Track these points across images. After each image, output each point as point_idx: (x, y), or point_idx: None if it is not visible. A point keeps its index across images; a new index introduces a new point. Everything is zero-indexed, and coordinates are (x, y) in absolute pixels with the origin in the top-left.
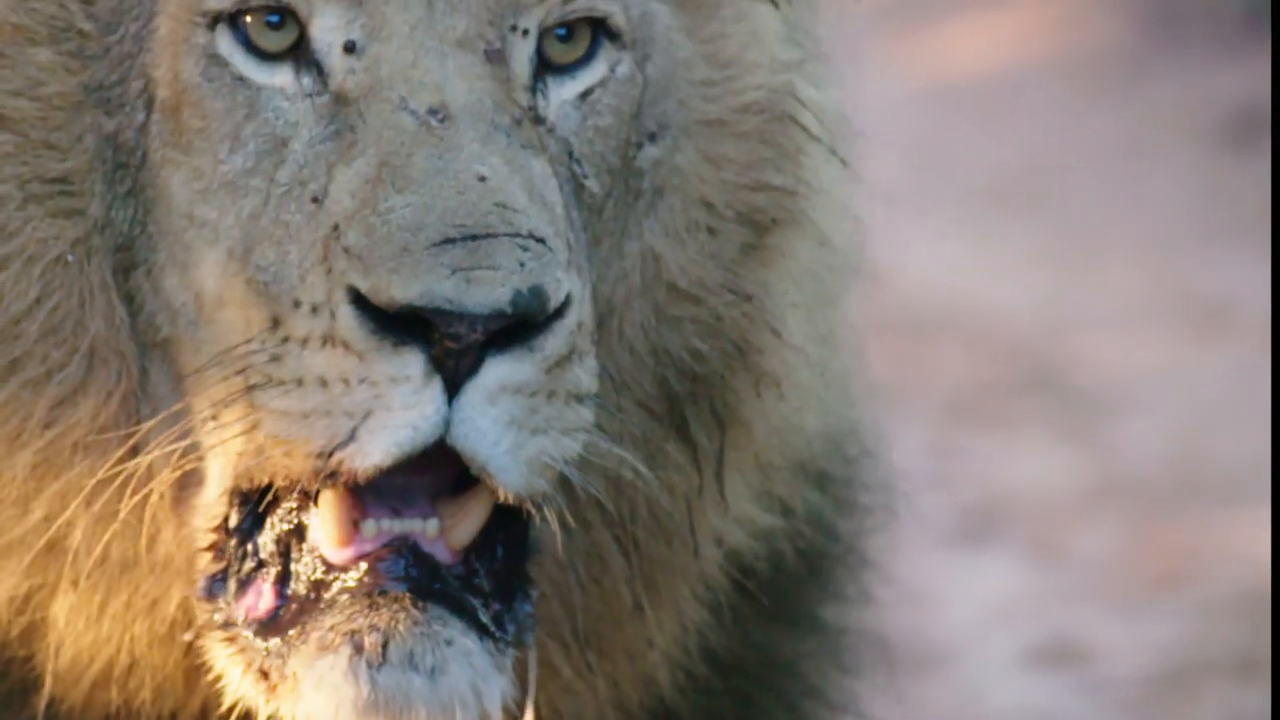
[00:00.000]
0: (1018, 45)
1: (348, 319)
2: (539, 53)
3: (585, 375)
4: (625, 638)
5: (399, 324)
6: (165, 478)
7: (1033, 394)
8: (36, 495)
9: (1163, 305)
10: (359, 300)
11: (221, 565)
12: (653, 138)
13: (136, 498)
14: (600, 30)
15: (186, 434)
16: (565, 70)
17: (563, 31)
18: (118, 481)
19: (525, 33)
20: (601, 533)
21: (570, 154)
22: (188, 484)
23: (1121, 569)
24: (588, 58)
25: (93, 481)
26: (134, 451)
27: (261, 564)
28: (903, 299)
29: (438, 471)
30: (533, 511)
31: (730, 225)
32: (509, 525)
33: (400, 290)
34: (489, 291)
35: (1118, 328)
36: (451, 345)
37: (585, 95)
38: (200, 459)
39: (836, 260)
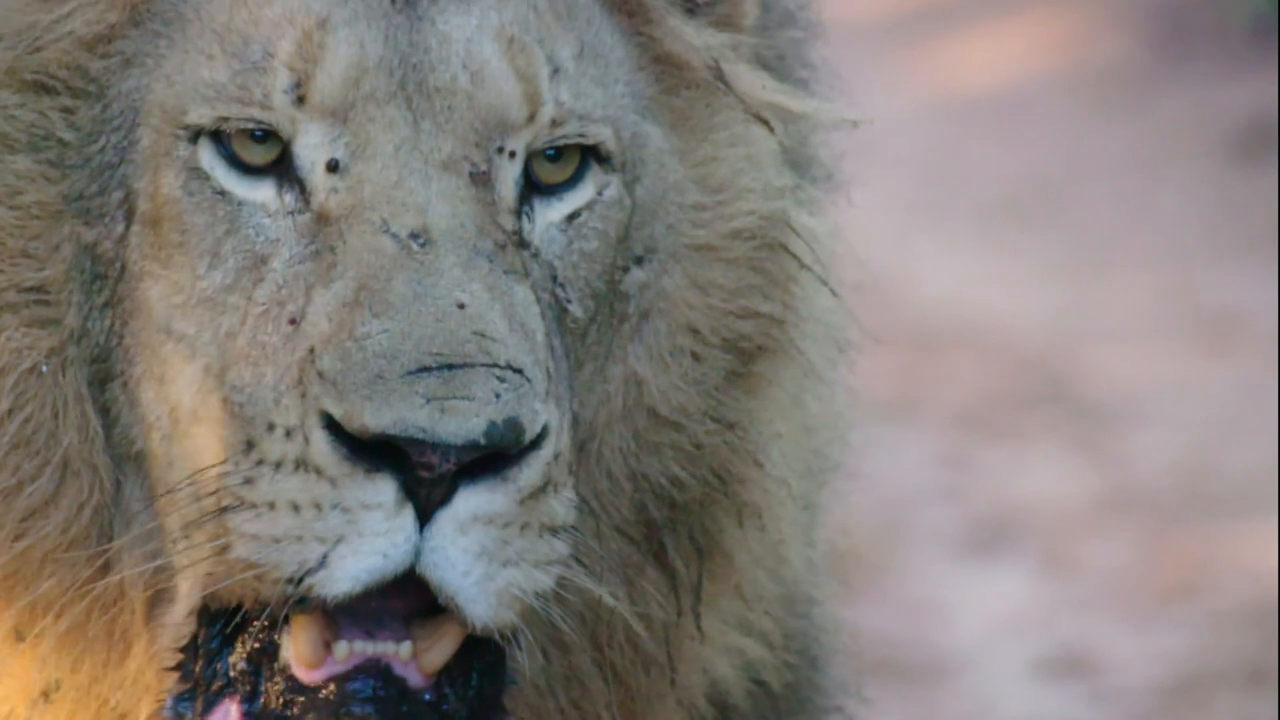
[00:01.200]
0: (1029, 60)
1: (321, 444)
2: (526, 173)
3: (561, 507)
4: None
5: (372, 451)
6: (137, 595)
7: (1043, 406)
8: (6, 608)
9: (1173, 318)
10: (332, 426)
11: (188, 685)
12: (640, 261)
13: (107, 614)
14: (589, 153)
15: (158, 551)
16: (553, 191)
17: (552, 153)
18: (88, 597)
19: (512, 155)
20: (581, 657)
21: (554, 278)
22: (159, 601)
23: (1132, 580)
24: (575, 179)
25: (63, 596)
26: (106, 566)
27: (229, 683)
28: (914, 312)
29: (412, 594)
30: (511, 640)
31: (716, 352)
32: (484, 652)
33: (373, 418)
34: (463, 422)
35: (1128, 341)
36: (424, 474)
37: (572, 218)
38: (170, 577)
39: (823, 391)
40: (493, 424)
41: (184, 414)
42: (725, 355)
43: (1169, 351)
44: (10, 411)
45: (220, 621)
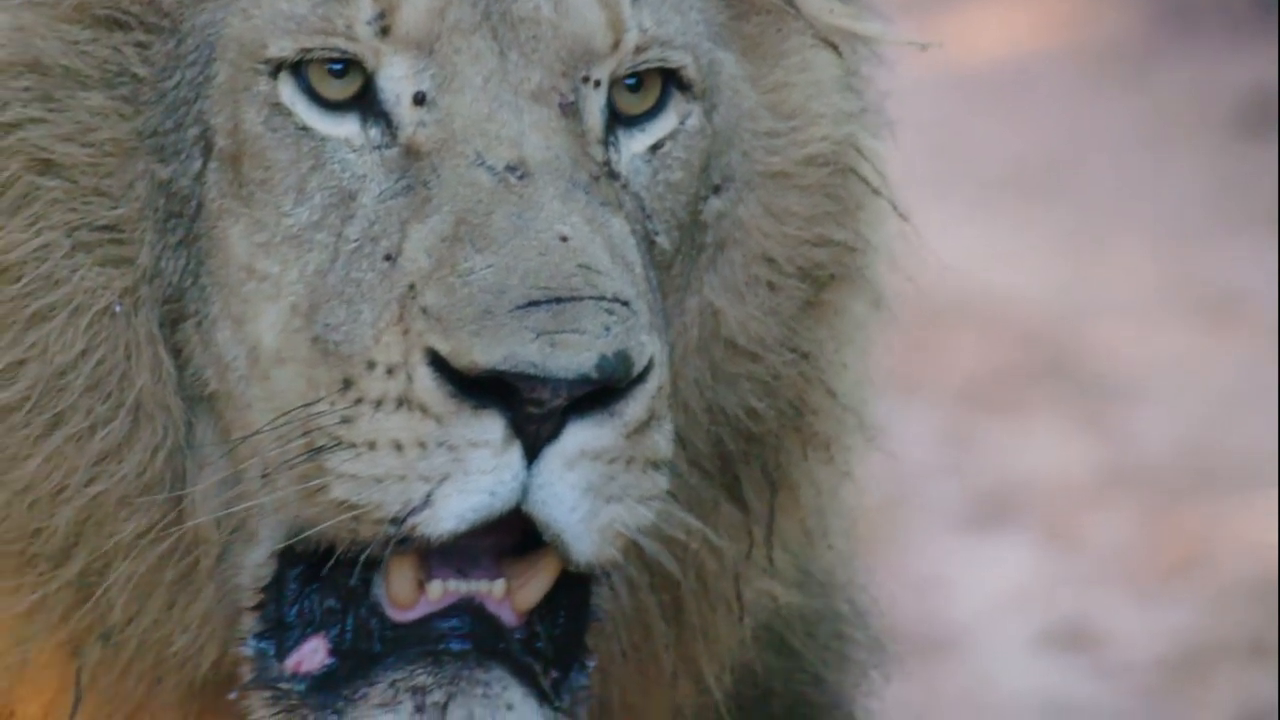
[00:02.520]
0: (1032, 34)
1: (426, 381)
2: (609, 103)
3: (663, 440)
4: (655, 709)
5: (479, 387)
6: (211, 538)
7: (1046, 381)
8: (75, 551)
9: (1176, 293)
10: (438, 362)
11: (269, 625)
12: (717, 190)
13: (181, 558)
14: (670, 80)
15: (236, 494)
16: (635, 122)
17: (632, 81)
18: (162, 541)
19: (597, 84)
20: (648, 597)
21: (643, 209)
22: (233, 543)
23: (1134, 555)
24: (658, 109)
25: (135, 538)
26: (179, 509)
27: (314, 622)
28: (917, 286)
29: (503, 530)
30: (599, 578)
31: (791, 281)
32: (572, 589)
33: (483, 354)
34: (574, 356)
35: (1131, 316)
36: (534, 410)
37: (655, 148)
38: (247, 519)
39: (883, 321)
40: (604, 357)
41: (265, 354)
42: (800, 284)
43: (1171, 326)
44: (84, 353)
45: (305, 562)
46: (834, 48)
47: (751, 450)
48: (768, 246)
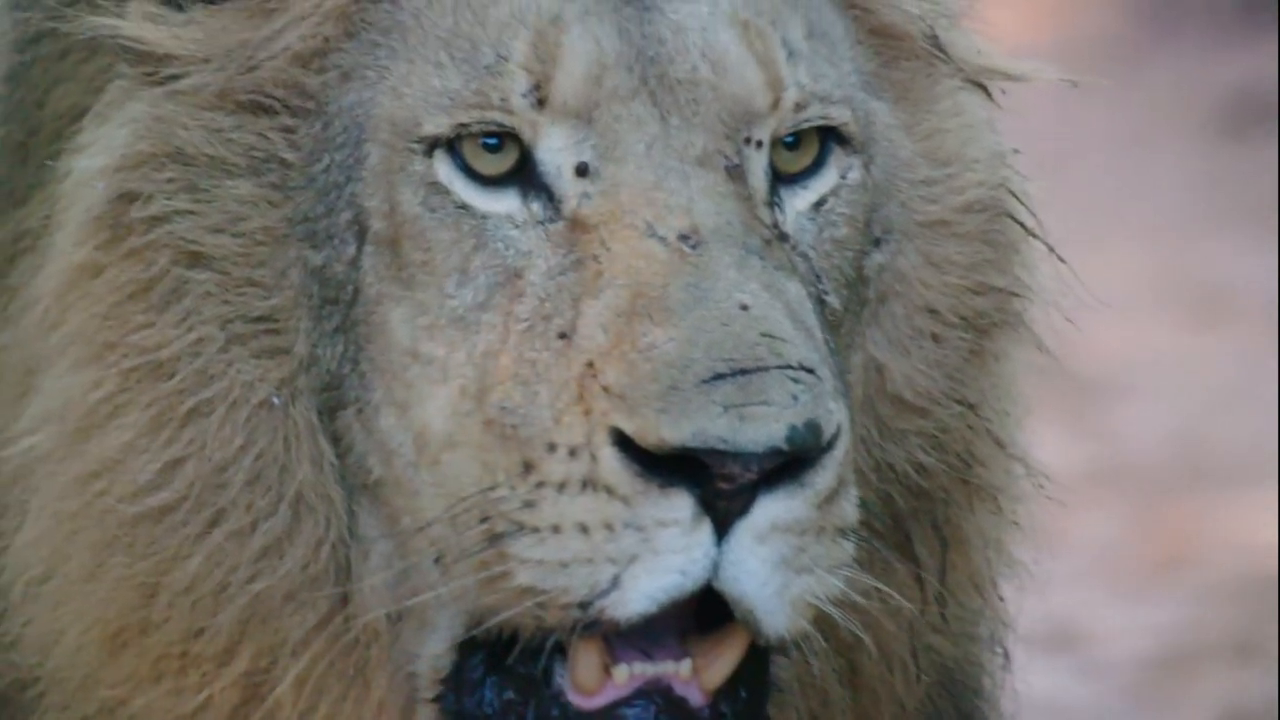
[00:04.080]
0: (1018, 32)
1: (611, 462)
2: (770, 163)
3: (850, 507)
4: None
5: (666, 466)
6: (381, 629)
7: (1033, 378)
8: (241, 649)
9: (1164, 291)
10: (623, 442)
11: (450, 716)
12: (878, 243)
13: (349, 651)
14: (829, 135)
15: (406, 583)
16: (795, 180)
17: (791, 139)
18: (329, 634)
19: (759, 144)
20: (825, 663)
21: (812, 270)
22: (402, 632)
23: (1121, 553)
24: (818, 165)
25: (303, 635)
26: (345, 601)
27: (496, 713)
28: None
29: (683, 606)
30: (787, 651)
31: (955, 332)
32: (753, 661)
33: (671, 431)
34: (764, 429)
35: (1119, 313)
36: (724, 486)
37: (819, 205)
38: (425, 607)
39: (1042, 365)
40: (793, 428)
41: (435, 439)
42: (964, 334)
43: (1160, 324)
44: (243, 448)
45: (485, 651)
46: (984, 89)
47: (921, 506)
48: (929, 297)
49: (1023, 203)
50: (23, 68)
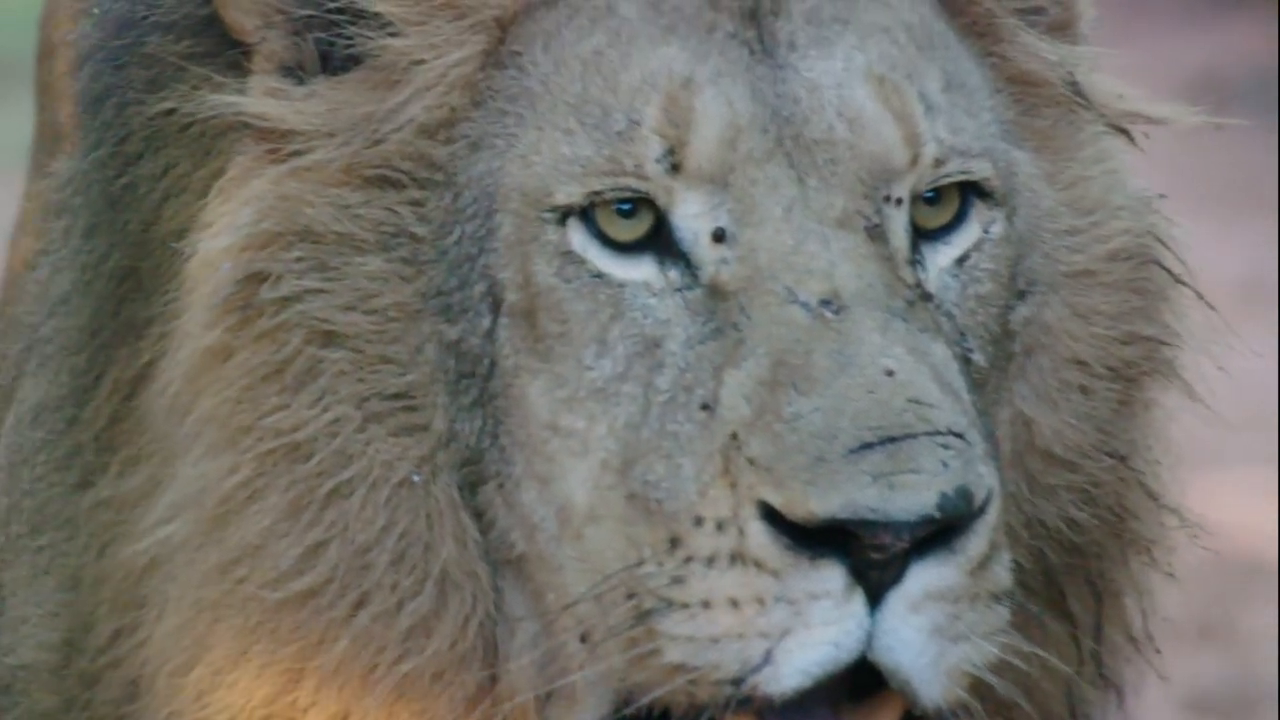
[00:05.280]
0: None
1: (759, 536)
2: (910, 221)
3: (1003, 571)
4: None
5: (816, 537)
6: (528, 707)
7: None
8: None
9: None
10: (770, 515)
11: None
12: (1022, 296)
13: None
14: (970, 189)
15: (554, 662)
16: (936, 236)
17: (931, 194)
18: (478, 714)
19: (899, 202)
20: None
21: (956, 328)
22: (551, 713)
23: None
24: (959, 220)
25: (451, 715)
26: (494, 680)
27: None
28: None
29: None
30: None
31: (1103, 383)
32: None
33: (820, 504)
34: (914, 497)
35: None
36: (875, 556)
37: (961, 261)
38: (570, 687)
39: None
40: (944, 495)
41: (577, 513)
42: (1112, 385)
43: None
44: (385, 528)
45: None
46: (1126, 134)
47: (1074, 561)
48: (1077, 349)
49: (1169, 248)
50: (125, 190)
